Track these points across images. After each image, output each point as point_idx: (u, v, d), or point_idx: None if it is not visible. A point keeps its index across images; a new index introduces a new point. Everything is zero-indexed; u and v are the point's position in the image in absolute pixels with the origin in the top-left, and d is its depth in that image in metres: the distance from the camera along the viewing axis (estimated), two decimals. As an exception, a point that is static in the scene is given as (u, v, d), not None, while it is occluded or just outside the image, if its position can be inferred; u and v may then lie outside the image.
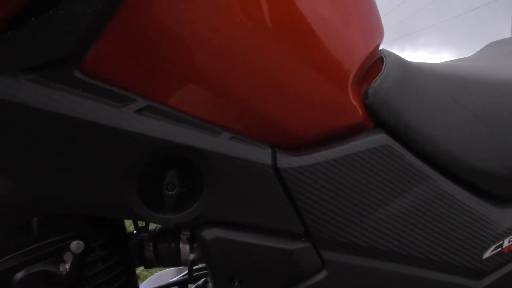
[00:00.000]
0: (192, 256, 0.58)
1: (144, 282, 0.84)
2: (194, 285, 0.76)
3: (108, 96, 0.42)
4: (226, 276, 0.51)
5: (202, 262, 0.58)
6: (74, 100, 0.40)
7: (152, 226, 0.61)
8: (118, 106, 0.42)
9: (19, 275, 0.48)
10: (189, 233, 0.57)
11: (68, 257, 0.50)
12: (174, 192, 0.47)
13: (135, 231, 0.60)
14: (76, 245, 0.49)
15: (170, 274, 0.88)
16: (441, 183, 0.57)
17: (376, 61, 0.61)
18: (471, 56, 0.98)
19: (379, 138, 0.54)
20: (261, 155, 0.48)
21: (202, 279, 0.78)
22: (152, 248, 0.59)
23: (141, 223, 0.61)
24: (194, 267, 0.81)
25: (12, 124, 0.38)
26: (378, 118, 0.55)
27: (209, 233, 0.49)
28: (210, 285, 0.72)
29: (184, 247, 0.57)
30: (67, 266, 0.50)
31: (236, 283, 0.52)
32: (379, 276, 0.55)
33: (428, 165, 0.57)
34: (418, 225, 0.55)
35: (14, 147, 0.39)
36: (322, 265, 0.53)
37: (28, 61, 0.38)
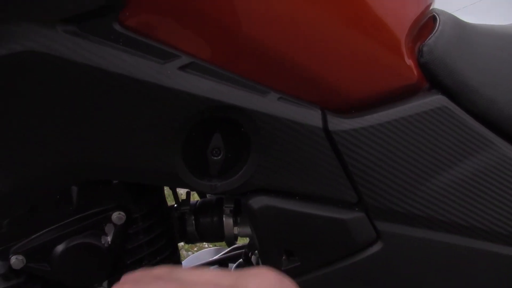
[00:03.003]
0: (236, 230, 0.55)
1: (183, 261, 0.82)
2: (235, 264, 0.73)
3: (150, 51, 0.39)
4: (275, 248, 0.48)
5: (246, 236, 0.56)
6: (114, 54, 0.37)
7: (193, 199, 0.59)
8: (161, 62, 0.39)
9: (60, 247, 0.47)
10: (232, 205, 0.54)
11: (109, 228, 0.48)
12: (219, 157, 0.45)
13: (175, 205, 0.57)
14: (117, 216, 0.47)
15: (210, 254, 0.86)
16: (504, 149, 0.52)
17: (429, 20, 0.56)
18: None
19: (436, 99, 0.50)
20: (311, 116, 0.45)
21: (239, 260, 0.75)
22: (194, 222, 0.56)
23: (182, 197, 0.59)
24: (235, 246, 0.79)
25: (51, 79, 0.36)
26: (433, 78, 0.51)
27: (257, 201, 0.46)
28: (253, 261, 0.70)
29: (228, 221, 0.55)
30: (109, 238, 0.48)
31: (285, 256, 0.49)
32: (439, 250, 0.51)
33: (489, 129, 0.52)
34: (480, 194, 0.51)
35: (53, 104, 0.37)
36: (377, 237, 0.50)
37: (65, 10, 0.35)
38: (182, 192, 0.65)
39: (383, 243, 0.49)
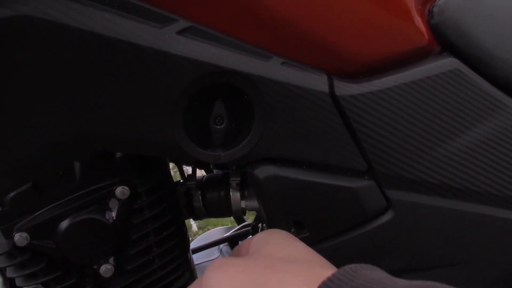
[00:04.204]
0: (243, 204, 0.54)
1: (193, 241, 0.81)
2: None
3: (146, 15, 0.37)
4: (283, 219, 0.46)
5: (254, 209, 0.54)
6: (109, 18, 0.36)
7: (199, 174, 0.58)
8: (158, 26, 0.38)
9: (64, 224, 0.46)
10: (239, 179, 0.53)
11: (114, 204, 0.47)
12: (222, 126, 0.43)
13: (181, 180, 0.56)
14: (121, 191, 0.46)
15: (220, 232, 0.85)
16: (520, 112, 0.50)
17: (439, -20, 0.54)
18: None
19: (447, 62, 0.48)
20: (317, 81, 0.43)
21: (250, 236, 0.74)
22: (200, 197, 0.55)
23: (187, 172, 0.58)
24: (245, 223, 0.78)
25: (43, 44, 0.35)
26: (445, 40, 0.49)
27: (263, 171, 0.44)
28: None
29: (235, 195, 0.53)
30: (113, 213, 0.47)
31: (293, 227, 0.48)
32: (452, 217, 0.49)
33: (503, 92, 0.50)
34: (495, 158, 0.49)
35: (47, 72, 0.36)
36: (388, 206, 0.48)
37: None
38: (189, 169, 0.63)
39: (394, 212, 0.48)
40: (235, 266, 0.32)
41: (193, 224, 2.16)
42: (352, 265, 0.28)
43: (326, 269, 0.31)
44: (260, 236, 0.38)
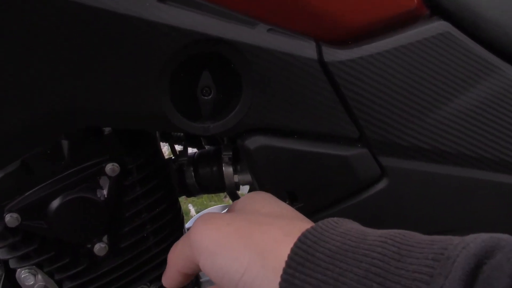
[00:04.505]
0: (236, 178, 0.53)
1: (190, 220, 0.81)
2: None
3: (125, -18, 0.36)
4: (276, 190, 0.46)
5: (247, 183, 0.54)
6: (88, -13, 0.35)
7: (191, 151, 0.57)
8: (139, -6, 0.37)
9: (55, 203, 0.45)
10: (231, 153, 0.52)
11: (104, 181, 0.46)
12: (210, 96, 0.42)
13: (173, 157, 0.56)
14: (111, 168, 0.45)
15: (216, 211, 0.85)
16: (513, 74, 0.49)
17: None
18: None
19: (438, 25, 0.47)
20: (304, 48, 0.42)
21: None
22: (193, 173, 0.54)
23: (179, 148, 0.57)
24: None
25: (20, 15, 0.34)
26: (435, 3, 0.48)
27: (253, 142, 0.44)
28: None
29: (227, 169, 0.53)
30: (105, 191, 0.46)
31: (287, 198, 0.47)
32: (448, 184, 0.49)
33: (495, 55, 0.49)
34: (489, 122, 0.48)
35: (24, 42, 0.35)
36: (382, 173, 0.47)
37: None
38: (181, 148, 0.63)
39: (388, 180, 0.47)
40: (222, 220, 0.33)
41: (191, 209, 2.16)
42: (334, 218, 0.30)
43: (308, 223, 0.32)
44: (246, 196, 0.40)
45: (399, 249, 0.26)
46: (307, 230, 0.29)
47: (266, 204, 0.37)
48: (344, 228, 0.29)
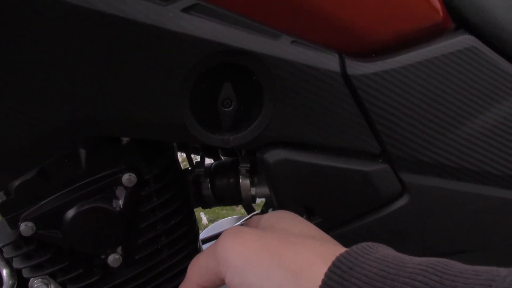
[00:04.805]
0: (253, 191, 0.52)
1: (203, 231, 0.80)
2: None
3: (149, -8, 0.36)
4: (294, 205, 0.45)
5: (264, 197, 0.53)
6: (111, -5, 0.34)
7: (208, 162, 0.56)
8: (162, 3, 0.36)
9: (70, 213, 0.45)
10: (248, 165, 0.51)
11: (120, 192, 0.46)
12: (231, 108, 0.42)
13: (190, 168, 0.55)
14: (128, 178, 0.45)
15: (231, 222, 0.84)
16: (539, 91, 0.48)
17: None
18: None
19: (463, 39, 0.46)
20: (328, 60, 0.41)
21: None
22: (209, 185, 0.54)
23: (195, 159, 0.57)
24: (256, 212, 0.76)
25: (42, 24, 0.34)
26: (460, 17, 0.47)
27: (273, 155, 0.43)
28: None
29: (244, 182, 0.52)
30: (121, 202, 0.46)
31: (305, 213, 0.46)
32: (470, 202, 0.48)
33: (523, 71, 0.48)
34: (514, 140, 0.47)
35: (46, 52, 0.35)
36: (403, 190, 0.46)
37: None
38: (198, 158, 0.62)
39: (409, 196, 0.46)
40: (251, 235, 0.32)
41: (203, 217, 2.15)
42: (368, 242, 0.29)
43: (340, 247, 0.31)
44: (272, 213, 0.39)
45: (441, 278, 0.25)
46: (341, 255, 0.28)
47: (294, 223, 0.37)
48: (380, 253, 0.28)
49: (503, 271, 0.24)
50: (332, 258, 0.28)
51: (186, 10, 0.37)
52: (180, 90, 0.39)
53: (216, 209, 2.16)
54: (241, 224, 0.71)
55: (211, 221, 2.16)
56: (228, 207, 2.14)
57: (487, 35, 0.47)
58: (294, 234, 0.34)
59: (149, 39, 0.36)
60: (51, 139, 0.39)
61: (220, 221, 0.89)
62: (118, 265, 0.47)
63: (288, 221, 0.37)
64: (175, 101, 0.39)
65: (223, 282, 0.34)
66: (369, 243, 0.30)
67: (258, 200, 0.64)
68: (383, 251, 0.29)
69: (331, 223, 0.47)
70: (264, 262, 0.30)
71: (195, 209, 0.55)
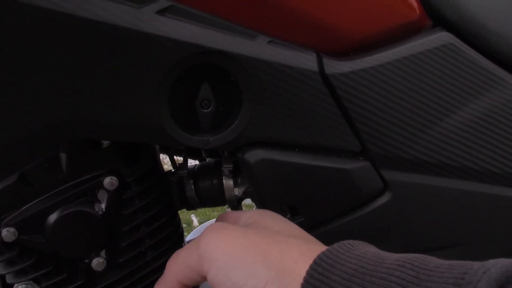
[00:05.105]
0: (237, 191, 0.52)
1: (192, 232, 0.80)
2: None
3: (123, -5, 0.36)
4: (277, 204, 0.45)
5: (247, 197, 0.53)
6: (85, -1, 0.34)
7: (191, 163, 0.56)
8: (136, 6, 0.36)
9: (52, 217, 0.45)
10: (231, 166, 0.52)
11: (102, 195, 0.46)
12: (209, 109, 0.42)
13: (173, 170, 0.55)
14: (109, 181, 0.45)
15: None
16: (517, 86, 0.48)
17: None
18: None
19: (440, 36, 0.46)
20: (305, 60, 0.42)
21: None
22: (193, 186, 0.54)
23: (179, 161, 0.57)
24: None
25: (17, 28, 0.34)
26: (437, 14, 0.48)
27: (253, 155, 0.43)
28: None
29: (228, 182, 0.52)
30: (103, 205, 0.46)
31: (288, 212, 0.46)
32: (451, 197, 0.48)
33: (499, 66, 0.49)
34: (493, 134, 0.48)
35: (21, 55, 0.35)
36: (384, 187, 0.47)
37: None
38: (181, 159, 0.62)
39: (391, 193, 0.47)
40: (235, 231, 0.32)
41: (194, 219, 2.15)
42: (350, 240, 0.30)
43: (322, 246, 0.31)
44: (254, 211, 0.39)
45: (417, 273, 0.25)
46: (323, 253, 0.29)
47: (276, 222, 0.37)
48: (360, 251, 0.29)
49: (476, 264, 0.25)
50: (315, 257, 0.28)
51: (161, 12, 0.37)
52: (158, 92, 0.39)
53: (207, 211, 2.16)
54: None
55: (201, 223, 2.16)
56: (219, 209, 2.13)
57: (464, 32, 0.48)
58: (278, 232, 0.34)
59: (125, 42, 0.36)
60: (30, 143, 0.39)
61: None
62: (102, 268, 0.47)
63: (270, 219, 0.37)
64: (153, 103, 0.39)
65: (203, 279, 0.34)
66: (351, 241, 0.30)
67: (248, 201, 0.64)
68: (364, 249, 0.29)
69: (314, 221, 0.47)
70: (249, 260, 0.30)
71: (185, 212, 0.55)
